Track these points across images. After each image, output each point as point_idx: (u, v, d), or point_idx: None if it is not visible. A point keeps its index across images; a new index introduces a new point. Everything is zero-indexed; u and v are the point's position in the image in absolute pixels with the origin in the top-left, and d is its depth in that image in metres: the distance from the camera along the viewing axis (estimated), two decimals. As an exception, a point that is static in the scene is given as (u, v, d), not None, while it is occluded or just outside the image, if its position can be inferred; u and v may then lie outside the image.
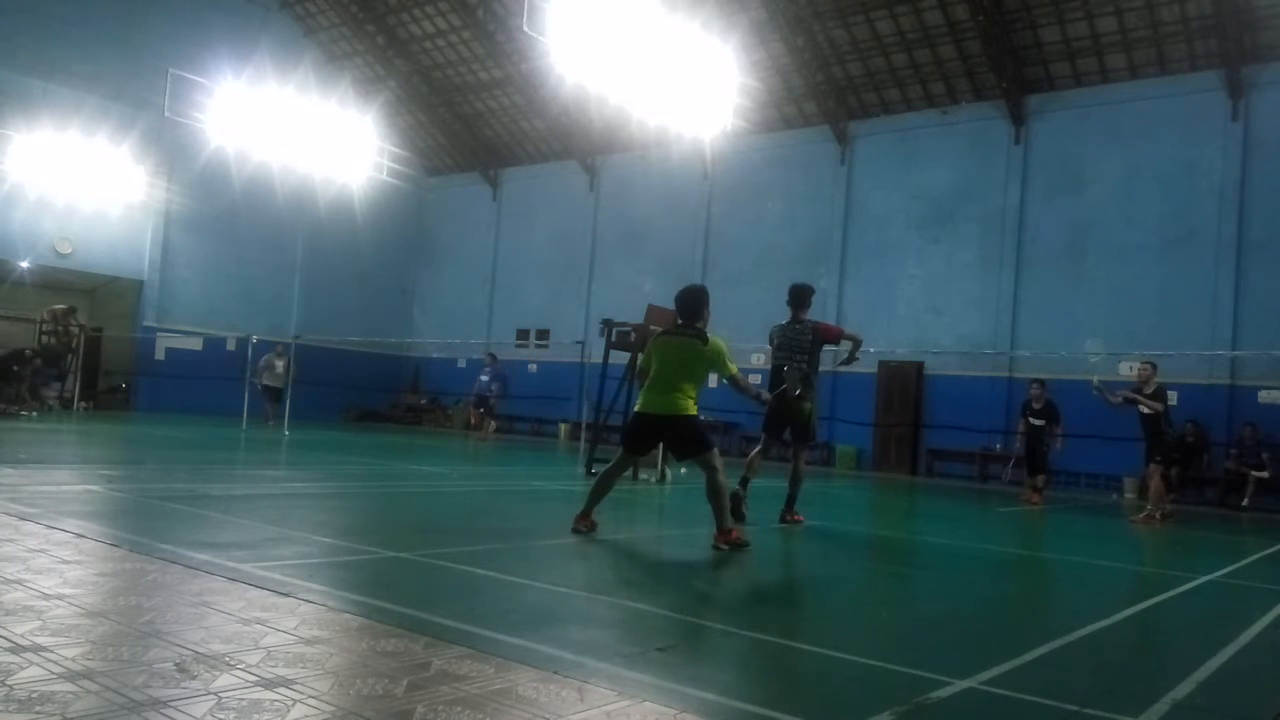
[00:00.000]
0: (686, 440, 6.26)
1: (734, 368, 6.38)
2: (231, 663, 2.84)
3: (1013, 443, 15.85)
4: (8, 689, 2.46)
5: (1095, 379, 10.82)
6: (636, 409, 6.39)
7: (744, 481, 7.49)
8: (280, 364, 18.57)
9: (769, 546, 6.84)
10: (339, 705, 2.55)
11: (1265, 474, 13.83)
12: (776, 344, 7.81)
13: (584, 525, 6.31)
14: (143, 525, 5.60)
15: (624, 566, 5.68)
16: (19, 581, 3.72)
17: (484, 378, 18.92)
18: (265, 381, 18.39)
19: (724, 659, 3.62)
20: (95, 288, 22.31)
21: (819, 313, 19.17)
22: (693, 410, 6.20)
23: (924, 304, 18.35)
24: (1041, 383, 12.99)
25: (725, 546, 6.00)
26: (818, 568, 6.53)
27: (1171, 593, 6.13)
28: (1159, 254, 16.11)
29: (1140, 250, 16.28)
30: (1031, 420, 12.65)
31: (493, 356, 19.48)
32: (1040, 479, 12.69)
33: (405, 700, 2.62)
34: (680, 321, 6.39)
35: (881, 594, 5.58)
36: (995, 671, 3.47)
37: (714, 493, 6.05)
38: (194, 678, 2.68)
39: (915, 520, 10.59)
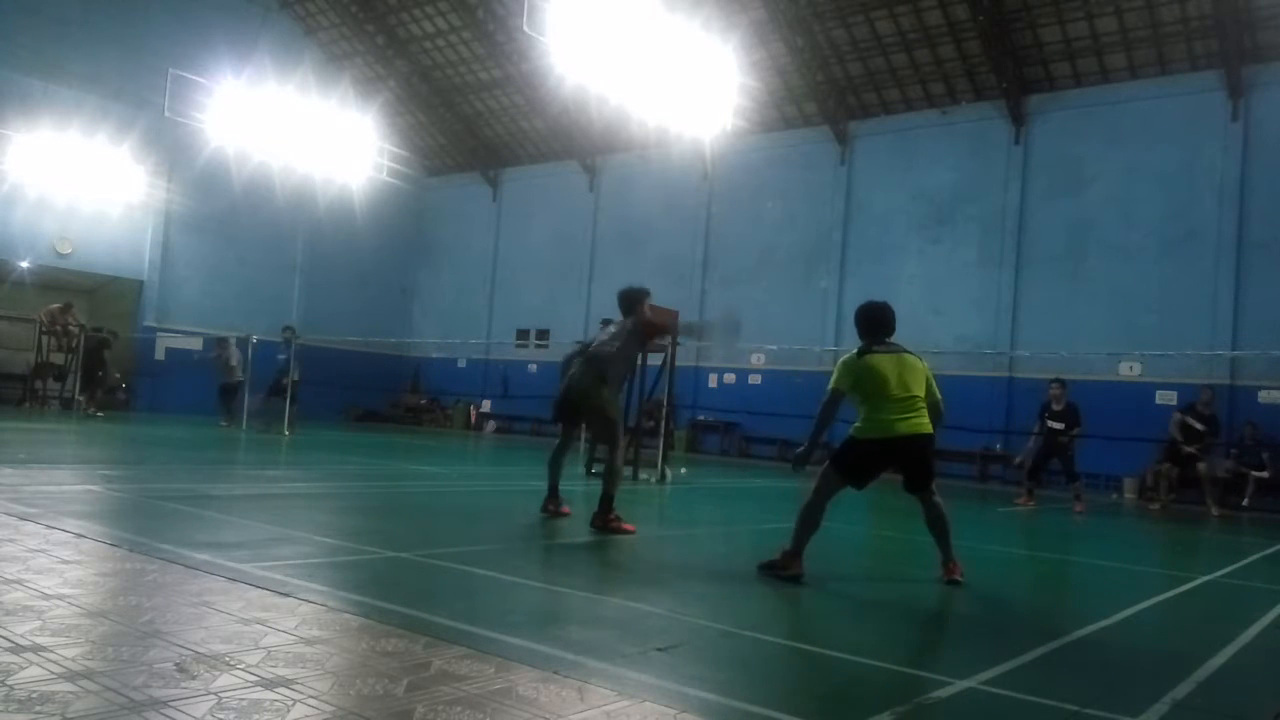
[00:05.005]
0: (930, 466, 5.52)
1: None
2: (231, 663, 2.84)
3: (1014, 443, 15.85)
4: (8, 689, 2.46)
5: None
6: (876, 434, 5.38)
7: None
8: (224, 356, 17.29)
9: (768, 547, 6.83)
10: (339, 705, 2.55)
11: (1265, 474, 13.82)
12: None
13: (796, 567, 5.35)
14: (143, 525, 5.60)
15: (624, 566, 5.68)
16: (19, 581, 3.72)
17: (281, 357, 16.46)
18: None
19: (724, 659, 3.62)
20: (95, 288, 22.31)
21: (820, 312, 19.51)
22: None
23: (924, 304, 18.32)
24: (1062, 383, 12.42)
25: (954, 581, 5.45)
26: (817, 568, 6.52)
27: (1171, 593, 6.13)
28: (1159, 254, 16.10)
29: (1140, 250, 16.26)
30: (1050, 423, 12.13)
31: (291, 331, 17.25)
32: (1077, 485, 12.11)
33: (405, 700, 2.62)
34: (870, 338, 5.79)
35: (881, 594, 5.58)
36: (995, 671, 3.47)
37: (942, 519, 5.60)
38: (194, 678, 2.68)
39: (914, 520, 10.56)
